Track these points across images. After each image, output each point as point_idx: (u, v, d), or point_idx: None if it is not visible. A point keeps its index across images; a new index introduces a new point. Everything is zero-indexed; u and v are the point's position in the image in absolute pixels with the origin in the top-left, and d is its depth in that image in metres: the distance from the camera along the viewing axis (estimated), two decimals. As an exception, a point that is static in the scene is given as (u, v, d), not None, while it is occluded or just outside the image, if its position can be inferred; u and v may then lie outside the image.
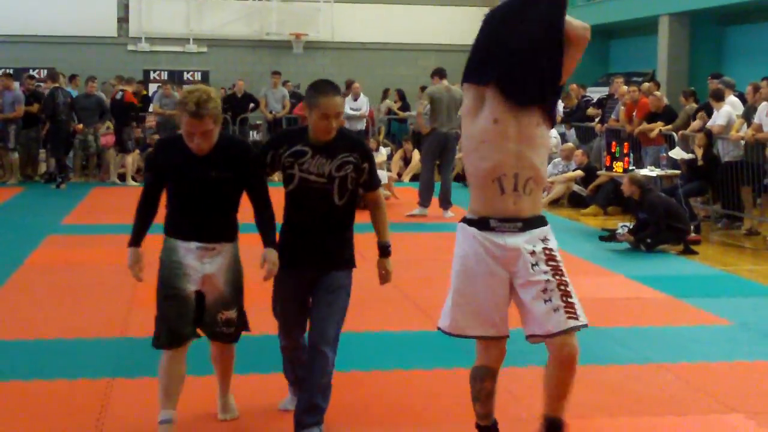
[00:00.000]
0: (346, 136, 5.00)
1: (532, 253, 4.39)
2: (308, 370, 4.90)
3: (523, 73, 4.32)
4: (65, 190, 16.99)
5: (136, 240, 4.96)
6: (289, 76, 24.20)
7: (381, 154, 18.70)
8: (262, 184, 4.96)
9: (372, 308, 7.77)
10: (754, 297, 9.03)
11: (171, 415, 4.86)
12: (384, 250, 5.11)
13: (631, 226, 11.57)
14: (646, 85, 16.87)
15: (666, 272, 10.07)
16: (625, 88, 16.78)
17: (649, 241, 11.24)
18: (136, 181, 18.07)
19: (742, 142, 13.13)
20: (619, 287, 9.25)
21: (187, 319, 4.84)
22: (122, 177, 18.10)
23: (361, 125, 20.19)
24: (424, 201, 14.01)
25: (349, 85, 20.97)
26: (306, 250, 4.95)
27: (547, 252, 4.42)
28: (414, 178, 18.55)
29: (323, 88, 4.85)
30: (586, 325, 4.41)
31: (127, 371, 6.18)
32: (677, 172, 13.84)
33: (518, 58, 4.32)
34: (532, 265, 4.38)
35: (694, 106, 15.23)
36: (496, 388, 4.63)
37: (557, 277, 4.38)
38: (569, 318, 4.34)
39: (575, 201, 15.48)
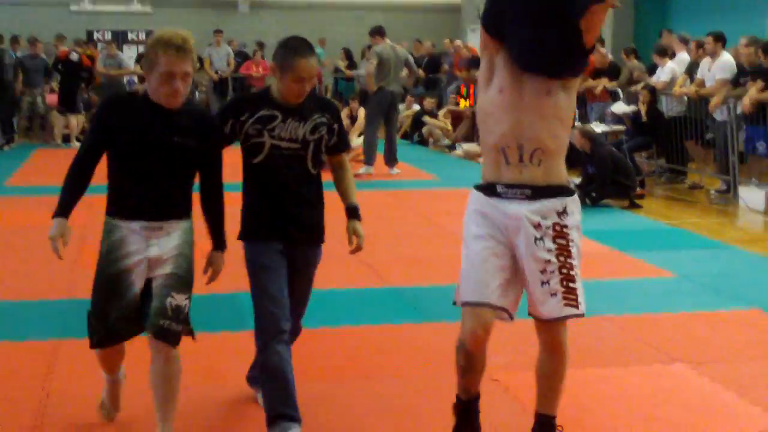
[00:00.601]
0: (314, 96, 4.55)
1: (537, 225, 3.99)
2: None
3: (534, 41, 3.90)
4: (8, 151, 16.77)
5: (63, 209, 4.22)
6: (235, 35, 23.99)
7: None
8: (220, 163, 4.42)
9: (319, 266, 7.78)
10: (697, 249, 9.17)
11: (118, 374, 4.67)
12: (354, 212, 4.66)
13: (577, 182, 11.67)
14: (592, 41, 16.91)
15: (611, 226, 10.18)
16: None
17: (594, 195, 11.35)
18: (80, 142, 17.88)
19: (686, 98, 13.25)
20: (565, 242, 9.32)
21: (131, 321, 4.24)
22: (66, 138, 17.87)
23: (308, 84, 20.08)
24: (369, 159, 14.01)
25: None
26: (291, 225, 4.48)
27: (557, 228, 4.00)
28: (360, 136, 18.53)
29: (299, 48, 4.34)
30: (583, 315, 4.09)
31: (73, 332, 6.12)
32: (622, 128, 13.96)
33: (533, 26, 3.88)
34: (536, 239, 3.99)
35: (636, 62, 15.33)
36: (478, 366, 4.16)
37: (561, 258, 3.99)
38: (567, 305, 4.02)
39: (522, 158, 15.51)
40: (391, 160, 14.05)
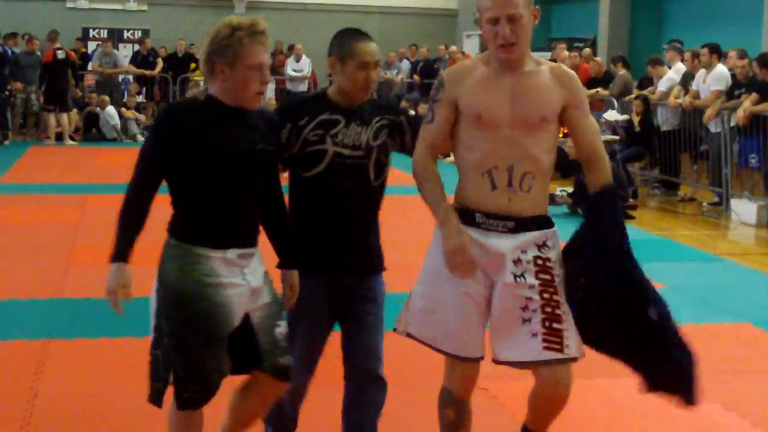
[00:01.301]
0: (371, 99, 3.99)
1: (517, 261, 3.59)
2: (362, 402, 4.08)
3: None
4: (2, 149, 16.80)
5: (123, 252, 3.44)
6: (231, 36, 23.96)
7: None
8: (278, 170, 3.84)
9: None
10: (689, 261, 9.18)
11: None
12: None
13: (570, 191, 11.69)
14: (587, 50, 17.00)
15: (603, 237, 10.16)
16: (566, 53, 16.88)
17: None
18: (74, 140, 17.91)
19: (680, 110, 13.28)
20: (557, 251, 9.34)
21: (223, 365, 3.55)
22: (59, 136, 17.85)
23: (303, 86, 20.14)
24: None
25: (291, 46, 20.90)
26: (346, 250, 3.88)
27: (539, 262, 3.61)
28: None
29: (355, 34, 3.89)
30: (575, 359, 3.63)
31: (63, 332, 6.14)
32: (616, 137, 13.98)
33: None
34: (516, 276, 3.59)
35: (624, 71, 15.35)
36: (467, 423, 3.84)
37: (545, 296, 3.59)
38: (546, 348, 3.57)
39: (515, 165, 15.53)
40: None
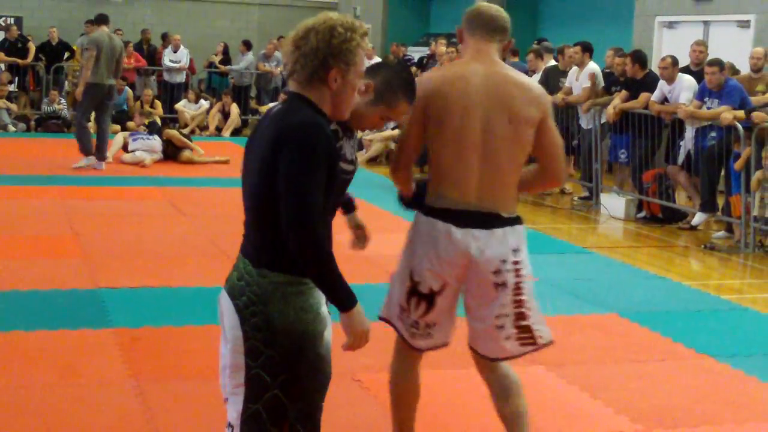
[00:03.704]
0: None
1: None
2: None
3: None
4: None
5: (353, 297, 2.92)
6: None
7: (201, 106, 18.58)
8: None
9: (188, 263, 7.74)
10: (559, 254, 9.39)
11: None
12: None
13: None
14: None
15: (478, 230, 10.32)
16: (444, 48, 17.06)
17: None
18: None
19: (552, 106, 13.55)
20: (433, 244, 9.44)
21: None
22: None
23: (180, 78, 19.92)
24: (103, 153, 13.26)
25: (165, 36, 20.67)
26: None
27: None
28: (235, 133, 18.41)
29: (410, 84, 3.49)
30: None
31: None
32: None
33: None
34: None
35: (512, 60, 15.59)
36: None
37: None
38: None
39: (393, 159, 15.65)
40: (101, 153, 13.35)
